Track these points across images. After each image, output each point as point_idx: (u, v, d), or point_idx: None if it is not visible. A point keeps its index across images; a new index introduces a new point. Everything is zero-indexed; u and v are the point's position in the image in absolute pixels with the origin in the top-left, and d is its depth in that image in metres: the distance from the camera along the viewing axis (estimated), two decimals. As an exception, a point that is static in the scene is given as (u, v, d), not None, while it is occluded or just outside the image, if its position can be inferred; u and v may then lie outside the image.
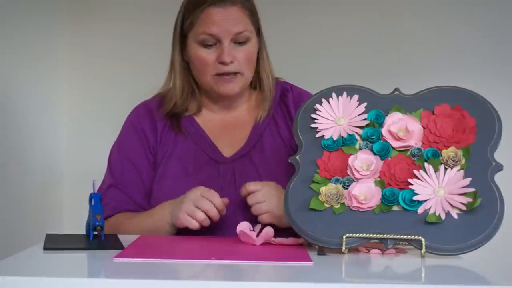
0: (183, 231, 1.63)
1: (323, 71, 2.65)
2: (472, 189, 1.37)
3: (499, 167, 1.39)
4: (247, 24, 1.72)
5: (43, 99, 2.63)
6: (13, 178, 2.37)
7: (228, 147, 1.77)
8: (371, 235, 1.37)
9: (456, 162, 1.40)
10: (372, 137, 1.44)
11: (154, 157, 1.78)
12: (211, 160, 1.75)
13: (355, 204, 1.40)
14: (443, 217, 1.37)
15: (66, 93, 2.79)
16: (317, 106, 1.48)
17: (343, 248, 1.36)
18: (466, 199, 1.37)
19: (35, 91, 2.54)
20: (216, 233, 1.64)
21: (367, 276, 1.26)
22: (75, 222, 1.91)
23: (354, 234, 1.37)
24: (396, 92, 1.48)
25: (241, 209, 1.67)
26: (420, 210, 1.38)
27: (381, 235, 1.37)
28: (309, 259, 1.30)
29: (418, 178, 1.39)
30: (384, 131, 1.44)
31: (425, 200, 1.38)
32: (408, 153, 1.43)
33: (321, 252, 1.37)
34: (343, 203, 1.40)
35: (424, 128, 1.44)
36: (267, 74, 1.80)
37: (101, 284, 1.12)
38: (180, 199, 1.62)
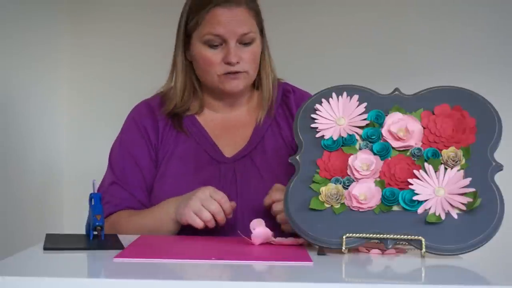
0: (184, 232, 1.63)
1: (328, 72, 2.65)
2: (472, 189, 1.37)
3: (499, 167, 1.39)
4: (252, 25, 1.73)
5: (43, 100, 2.63)
6: (13, 178, 2.37)
7: (229, 147, 1.77)
8: (371, 235, 1.37)
9: (456, 162, 1.40)
10: (372, 137, 1.44)
11: (156, 155, 1.78)
12: (213, 160, 1.75)
13: (355, 204, 1.40)
14: (443, 217, 1.37)
15: (66, 94, 2.79)
16: (317, 106, 1.48)
17: (343, 248, 1.36)
18: (466, 199, 1.37)
19: (35, 92, 2.54)
20: (216, 233, 1.63)
21: (367, 276, 1.26)
22: (75, 222, 1.91)
23: (354, 234, 1.37)
24: (396, 92, 1.48)
25: (242, 210, 1.67)
26: (420, 210, 1.38)
27: (381, 235, 1.37)
28: (309, 259, 1.30)
29: (418, 178, 1.39)
30: (384, 131, 1.44)
31: (425, 200, 1.38)
32: (408, 153, 1.43)
33: (321, 252, 1.37)
34: (343, 203, 1.40)
35: (424, 128, 1.44)
36: (267, 75, 1.80)
37: (101, 284, 1.12)
38: (188, 196, 1.60)
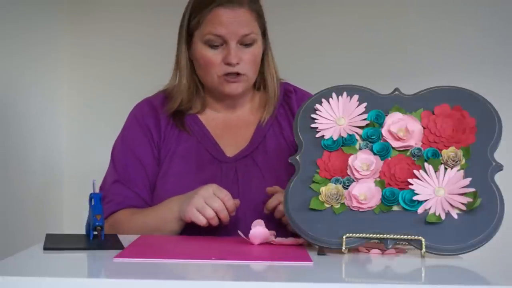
0: (187, 230, 1.63)
1: (328, 72, 2.65)
2: (472, 189, 1.37)
3: (499, 167, 1.39)
4: (253, 26, 1.73)
5: (43, 100, 2.63)
6: (14, 178, 2.37)
7: (230, 147, 1.77)
8: (371, 235, 1.37)
9: (456, 162, 1.40)
10: (372, 137, 1.44)
11: (158, 153, 1.77)
12: (214, 159, 1.75)
13: (355, 204, 1.40)
14: (443, 217, 1.37)
15: (66, 94, 2.79)
16: (317, 106, 1.48)
17: (343, 248, 1.36)
18: (466, 199, 1.37)
19: (35, 92, 2.54)
20: (215, 234, 1.63)
21: (367, 276, 1.26)
22: (75, 222, 1.91)
23: (354, 234, 1.37)
24: (396, 92, 1.48)
25: (243, 210, 1.67)
26: (420, 210, 1.38)
27: (381, 235, 1.37)
28: (309, 259, 1.30)
29: (418, 178, 1.39)
30: (384, 131, 1.44)
31: (425, 200, 1.38)
32: (408, 153, 1.43)
33: (321, 252, 1.37)
34: (343, 203, 1.40)
35: (424, 128, 1.44)
36: (271, 76, 1.80)
37: (101, 284, 1.12)
38: (191, 194, 1.60)
